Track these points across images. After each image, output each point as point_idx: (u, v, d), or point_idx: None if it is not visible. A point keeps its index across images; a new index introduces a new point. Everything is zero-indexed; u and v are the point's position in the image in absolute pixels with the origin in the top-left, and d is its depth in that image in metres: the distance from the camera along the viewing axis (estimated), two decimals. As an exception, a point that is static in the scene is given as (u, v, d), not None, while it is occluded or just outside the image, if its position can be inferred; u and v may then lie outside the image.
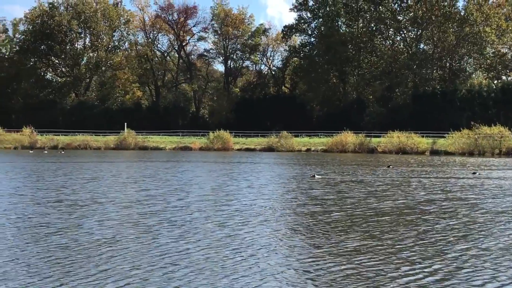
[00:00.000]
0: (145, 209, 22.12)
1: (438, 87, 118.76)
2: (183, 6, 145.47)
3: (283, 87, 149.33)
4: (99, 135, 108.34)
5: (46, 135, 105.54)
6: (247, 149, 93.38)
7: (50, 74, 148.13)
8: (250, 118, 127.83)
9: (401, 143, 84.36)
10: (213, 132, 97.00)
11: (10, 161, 57.17)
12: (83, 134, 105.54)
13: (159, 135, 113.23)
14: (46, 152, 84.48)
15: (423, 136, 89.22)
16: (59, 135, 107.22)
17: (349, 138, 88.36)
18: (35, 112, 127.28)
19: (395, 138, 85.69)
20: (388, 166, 49.59)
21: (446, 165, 53.74)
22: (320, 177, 37.22)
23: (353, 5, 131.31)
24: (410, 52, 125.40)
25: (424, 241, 15.95)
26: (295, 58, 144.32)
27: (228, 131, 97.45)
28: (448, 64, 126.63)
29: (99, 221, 19.14)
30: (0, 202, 24.11)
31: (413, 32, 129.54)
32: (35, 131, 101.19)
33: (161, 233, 16.96)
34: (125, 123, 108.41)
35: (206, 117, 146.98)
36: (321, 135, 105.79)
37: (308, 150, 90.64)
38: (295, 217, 20.31)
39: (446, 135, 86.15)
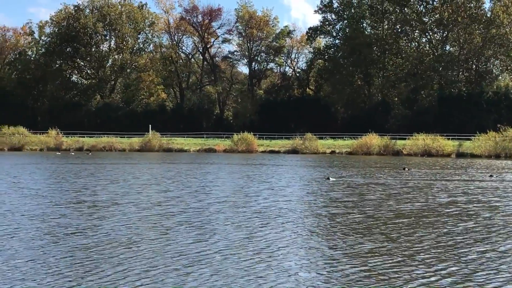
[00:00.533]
0: (165, 210, 22.13)
1: (464, 89, 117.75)
2: (208, 8, 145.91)
3: (307, 89, 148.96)
4: (124, 137, 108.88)
5: (71, 137, 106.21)
6: (271, 151, 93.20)
7: (76, 76, 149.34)
8: (274, 120, 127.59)
9: (427, 146, 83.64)
10: (237, 134, 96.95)
11: (38, 163, 57.60)
12: (108, 136, 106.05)
13: (184, 137, 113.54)
14: (73, 153, 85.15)
15: (448, 139, 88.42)
16: (84, 137, 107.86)
17: (373, 140, 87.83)
18: (60, 114, 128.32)
19: (421, 140, 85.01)
20: (404, 169, 49.20)
21: (468, 167, 53.13)
22: (334, 179, 37.19)
23: (378, 7, 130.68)
24: (436, 54, 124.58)
25: (441, 244, 15.79)
26: (320, 60, 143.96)
27: (252, 133, 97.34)
28: (474, 66, 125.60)
29: (119, 222, 19.14)
30: (25, 202, 24.33)
31: (438, 34, 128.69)
32: (61, 133, 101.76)
33: (179, 234, 16.93)
34: (150, 125, 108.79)
35: (230, 119, 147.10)
36: (345, 137, 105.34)
37: (332, 152, 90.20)
38: (312, 219, 20.18)
39: (472, 137, 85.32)
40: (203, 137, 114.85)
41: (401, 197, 27.47)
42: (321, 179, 37.98)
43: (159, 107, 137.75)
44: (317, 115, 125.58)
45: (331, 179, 37.06)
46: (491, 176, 41.32)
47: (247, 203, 24.68)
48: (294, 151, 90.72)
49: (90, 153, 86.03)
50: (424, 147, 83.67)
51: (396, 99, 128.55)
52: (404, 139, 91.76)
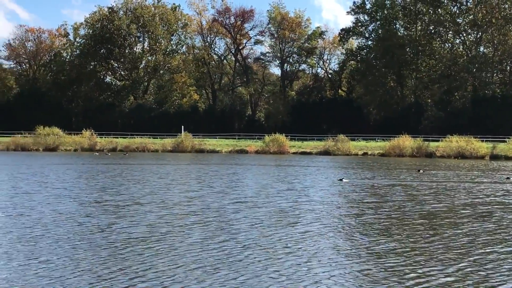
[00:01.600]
0: (187, 209, 22.50)
1: (498, 90, 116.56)
2: (240, 9, 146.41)
3: (339, 91, 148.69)
4: (157, 138, 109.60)
5: (105, 137, 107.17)
6: (303, 153, 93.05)
7: (110, 78, 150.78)
8: (306, 122, 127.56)
9: (460, 148, 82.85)
10: (269, 135, 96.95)
11: (81, 163, 58.34)
12: (141, 137, 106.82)
13: (216, 138, 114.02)
14: (109, 154, 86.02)
15: (482, 141, 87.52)
16: (117, 137, 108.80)
17: (406, 142, 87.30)
18: (94, 115, 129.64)
19: (454, 142, 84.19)
20: (418, 171, 48.95)
21: (498, 170, 52.63)
22: (348, 180, 37.30)
23: (411, 8, 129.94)
24: (470, 55, 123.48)
25: (454, 244, 15.88)
26: (352, 61, 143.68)
27: (284, 134, 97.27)
28: (508, 68, 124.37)
29: (150, 221, 19.48)
30: (63, 202, 24.76)
31: (472, 35, 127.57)
32: (95, 133, 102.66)
33: (203, 233, 17.21)
34: (182, 126, 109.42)
35: (262, 120, 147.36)
36: (378, 139, 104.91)
37: (364, 154, 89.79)
38: (331, 220, 20.30)
39: (507, 139, 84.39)
40: (235, 138, 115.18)
41: (414, 198, 27.51)
42: (350, 181, 38.01)
43: (192, 108, 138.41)
44: (349, 116, 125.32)
45: (344, 180, 37.26)
46: (508, 178, 41.05)
47: (268, 203, 24.98)
48: (326, 153, 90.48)
49: (126, 154, 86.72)
50: (458, 149, 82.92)
51: (429, 100, 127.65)
52: (438, 141, 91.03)
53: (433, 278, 12.51)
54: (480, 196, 28.72)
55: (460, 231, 18.18)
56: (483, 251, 15.16)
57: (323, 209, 23.15)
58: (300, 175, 42.99)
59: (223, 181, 36.94)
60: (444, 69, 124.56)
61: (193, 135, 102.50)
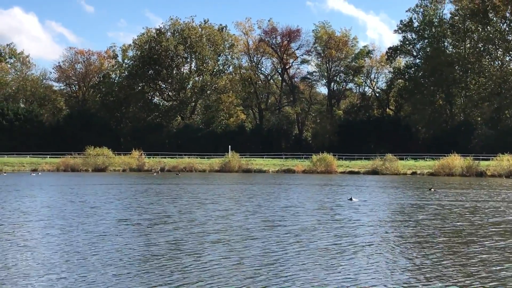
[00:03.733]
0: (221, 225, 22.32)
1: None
2: (287, 29, 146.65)
3: (387, 109, 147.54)
4: (204, 158, 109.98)
5: (153, 157, 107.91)
6: (351, 172, 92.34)
7: (157, 98, 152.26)
8: (354, 141, 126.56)
9: (511, 166, 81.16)
10: (316, 155, 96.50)
11: (135, 183, 58.85)
12: (189, 157, 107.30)
13: (263, 157, 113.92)
14: (159, 173, 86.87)
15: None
16: (165, 157, 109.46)
17: (456, 161, 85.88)
18: (142, 135, 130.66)
19: (505, 161, 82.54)
20: (430, 189, 48.65)
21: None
22: (357, 200, 37.40)
23: (460, 25, 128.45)
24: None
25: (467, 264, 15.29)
26: (400, 80, 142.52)
27: (331, 153, 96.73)
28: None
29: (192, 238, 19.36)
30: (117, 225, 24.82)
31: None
32: (144, 153, 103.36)
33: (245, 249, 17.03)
34: (229, 146, 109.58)
35: (309, 140, 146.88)
36: (427, 158, 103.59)
37: (413, 173, 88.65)
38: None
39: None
40: (282, 158, 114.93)
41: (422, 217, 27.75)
42: (400, 201, 37.47)
43: (239, 128, 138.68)
44: (397, 135, 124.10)
45: (353, 199, 37.25)
46: None
47: (283, 221, 25.25)
48: (374, 172, 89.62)
49: (179, 174, 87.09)
50: (509, 168, 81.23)
51: (479, 119, 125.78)
52: (488, 159, 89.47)
53: None
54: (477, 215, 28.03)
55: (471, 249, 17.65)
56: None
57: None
58: (340, 194, 42.66)
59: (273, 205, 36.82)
60: (494, 87, 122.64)
61: (240, 155, 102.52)
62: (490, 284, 14.14)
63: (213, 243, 19.65)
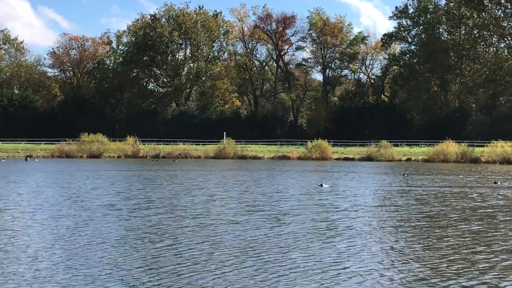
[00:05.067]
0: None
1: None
2: (282, 15, 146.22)
3: (382, 96, 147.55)
4: (199, 144, 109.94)
5: (148, 144, 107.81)
6: (346, 159, 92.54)
7: (152, 85, 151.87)
8: (349, 127, 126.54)
9: (506, 153, 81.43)
10: (311, 141, 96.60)
11: (130, 169, 58.88)
12: (183, 143, 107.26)
13: (258, 144, 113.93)
14: (157, 160, 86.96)
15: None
16: (160, 144, 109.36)
17: (450, 147, 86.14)
18: (137, 121, 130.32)
19: (499, 147, 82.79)
20: (403, 175, 49.39)
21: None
22: (328, 185, 37.37)
23: (455, 12, 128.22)
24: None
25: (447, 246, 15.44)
26: (395, 66, 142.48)
27: (326, 140, 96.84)
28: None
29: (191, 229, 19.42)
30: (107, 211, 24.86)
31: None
32: (138, 140, 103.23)
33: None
34: (224, 132, 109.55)
35: (304, 126, 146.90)
36: (422, 144, 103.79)
37: (408, 159, 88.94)
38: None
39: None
40: (277, 144, 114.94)
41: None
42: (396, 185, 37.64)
43: (234, 115, 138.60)
44: (392, 122, 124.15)
45: (324, 185, 37.17)
46: (495, 183, 41.48)
47: (273, 207, 25.19)
48: (369, 158, 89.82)
49: (175, 161, 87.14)
50: (503, 154, 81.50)
51: (474, 105, 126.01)
52: (483, 146, 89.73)
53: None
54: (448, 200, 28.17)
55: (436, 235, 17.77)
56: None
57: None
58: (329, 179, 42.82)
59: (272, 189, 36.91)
60: (489, 74, 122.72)
61: (235, 142, 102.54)
62: (462, 265, 14.43)
63: (191, 227, 20.02)
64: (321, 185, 37.25)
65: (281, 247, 16.34)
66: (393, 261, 14.75)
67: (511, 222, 21.87)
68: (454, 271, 13.65)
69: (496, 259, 15.11)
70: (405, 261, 14.75)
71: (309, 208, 25.79)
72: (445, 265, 14.30)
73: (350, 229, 19.81)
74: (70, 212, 23.84)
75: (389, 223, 21.56)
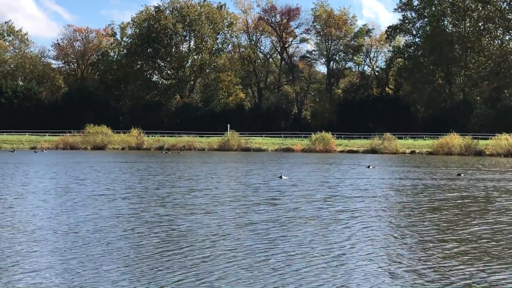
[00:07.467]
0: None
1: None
2: (286, 8, 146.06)
3: (386, 88, 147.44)
4: (203, 136, 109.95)
5: (152, 136, 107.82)
6: (350, 151, 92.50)
7: (156, 77, 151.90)
8: (353, 120, 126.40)
9: (510, 146, 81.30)
10: (315, 134, 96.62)
11: (128, 161, 58.95)
12: (188, 135, 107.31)
13: (262, 136, 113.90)
14: (163, 152, 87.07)
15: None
16: (164, 136, 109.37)
17: (455, 140, 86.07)
18: (141, 113, 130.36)
19: (504, 140, 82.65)
20: (368, 167, 49.83)
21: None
22: (287, 177, 37.20)
23: (460, 4, 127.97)
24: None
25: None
26: (399, 59, 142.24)
27: (330, 132, 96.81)
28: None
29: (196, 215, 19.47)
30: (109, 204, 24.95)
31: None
32: (142, 132, 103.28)
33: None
34: (228, 125, 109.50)
35: (308, 119, 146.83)
36: (426, 137, 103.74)
37: (412, 152, 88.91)
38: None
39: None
40: (281, 137, 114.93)
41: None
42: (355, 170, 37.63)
43: (238, 107, 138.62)
44: (396, 114, 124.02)
45: (283, 177, 36.95)
46: (458, 175, 41.48)
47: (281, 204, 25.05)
48: (373, 151, 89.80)
49: (180, 153, 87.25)
50: (508, 147, 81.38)
51: (478, 98, 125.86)
52: (487, 139, 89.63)
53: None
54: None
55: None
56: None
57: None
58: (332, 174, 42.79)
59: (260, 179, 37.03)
60: (494, 66, 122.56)
61: (239, 134, 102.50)
62: (428, 252, 14.69)
63: (171, 215, 20.44)
64: (281, 177, 37.12)
65: (245, 238, 16.46)
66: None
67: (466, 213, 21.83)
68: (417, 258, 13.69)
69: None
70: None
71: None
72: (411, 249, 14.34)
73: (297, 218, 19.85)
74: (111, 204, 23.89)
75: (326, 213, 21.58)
